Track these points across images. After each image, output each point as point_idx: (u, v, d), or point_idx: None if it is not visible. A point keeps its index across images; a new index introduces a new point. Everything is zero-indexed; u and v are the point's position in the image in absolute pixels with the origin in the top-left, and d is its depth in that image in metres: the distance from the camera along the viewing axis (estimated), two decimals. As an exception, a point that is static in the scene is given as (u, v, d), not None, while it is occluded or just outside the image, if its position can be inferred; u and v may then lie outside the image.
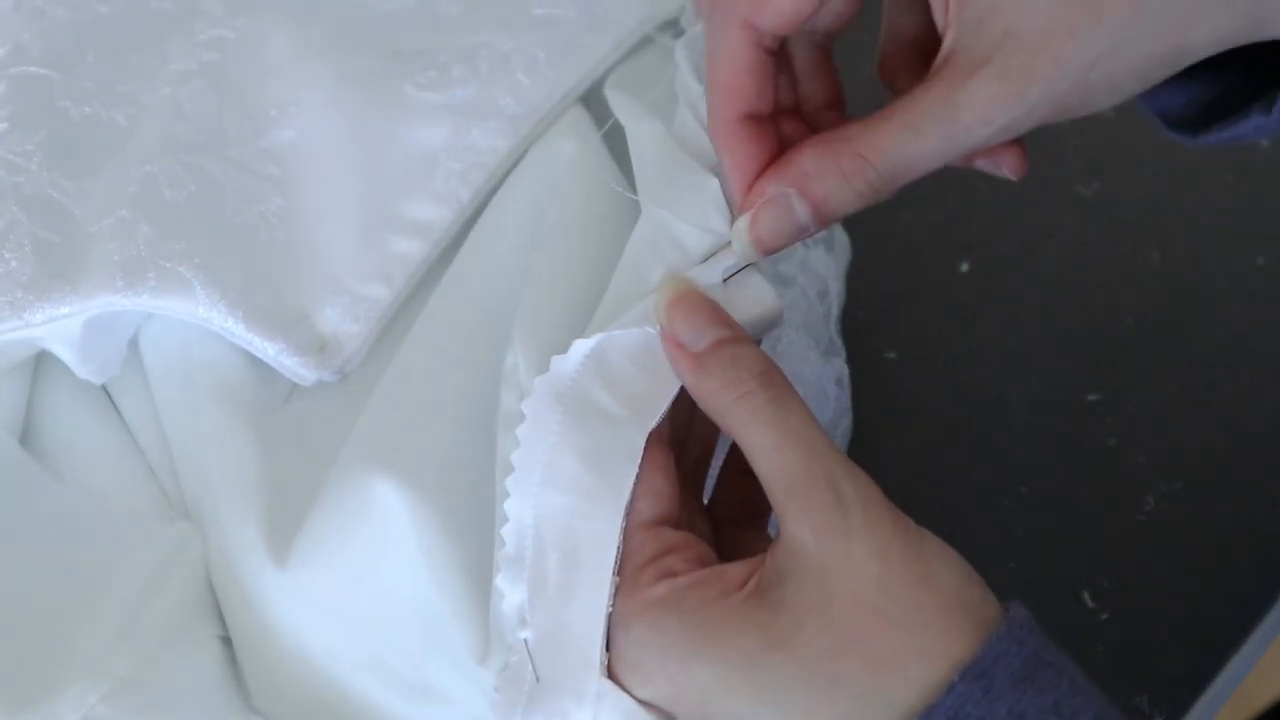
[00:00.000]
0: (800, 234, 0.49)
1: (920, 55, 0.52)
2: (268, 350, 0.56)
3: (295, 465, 0.56)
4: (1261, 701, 1.14)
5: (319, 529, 0.53)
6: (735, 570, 0.46)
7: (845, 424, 0.67)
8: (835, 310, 0.68)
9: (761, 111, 0.50)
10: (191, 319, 0.56)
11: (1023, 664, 0.43)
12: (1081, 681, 0.44)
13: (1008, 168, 0.51)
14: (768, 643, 0.44)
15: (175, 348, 0.58)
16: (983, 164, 0.51)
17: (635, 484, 0.47)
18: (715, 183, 0.51)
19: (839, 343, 0.68)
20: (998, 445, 0.70)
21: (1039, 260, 0.75)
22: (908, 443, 0.70)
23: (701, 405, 0.48)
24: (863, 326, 0.71)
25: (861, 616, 0.43)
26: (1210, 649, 0.65)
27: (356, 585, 0.52)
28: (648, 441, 0.48)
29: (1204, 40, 0.46)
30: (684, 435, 0.52)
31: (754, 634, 0.44)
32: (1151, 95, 0.52)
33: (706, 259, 0.51)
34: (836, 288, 0.68)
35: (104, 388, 0.61)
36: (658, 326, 0.49)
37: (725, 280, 0.50)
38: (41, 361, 0.60)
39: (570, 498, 0.47)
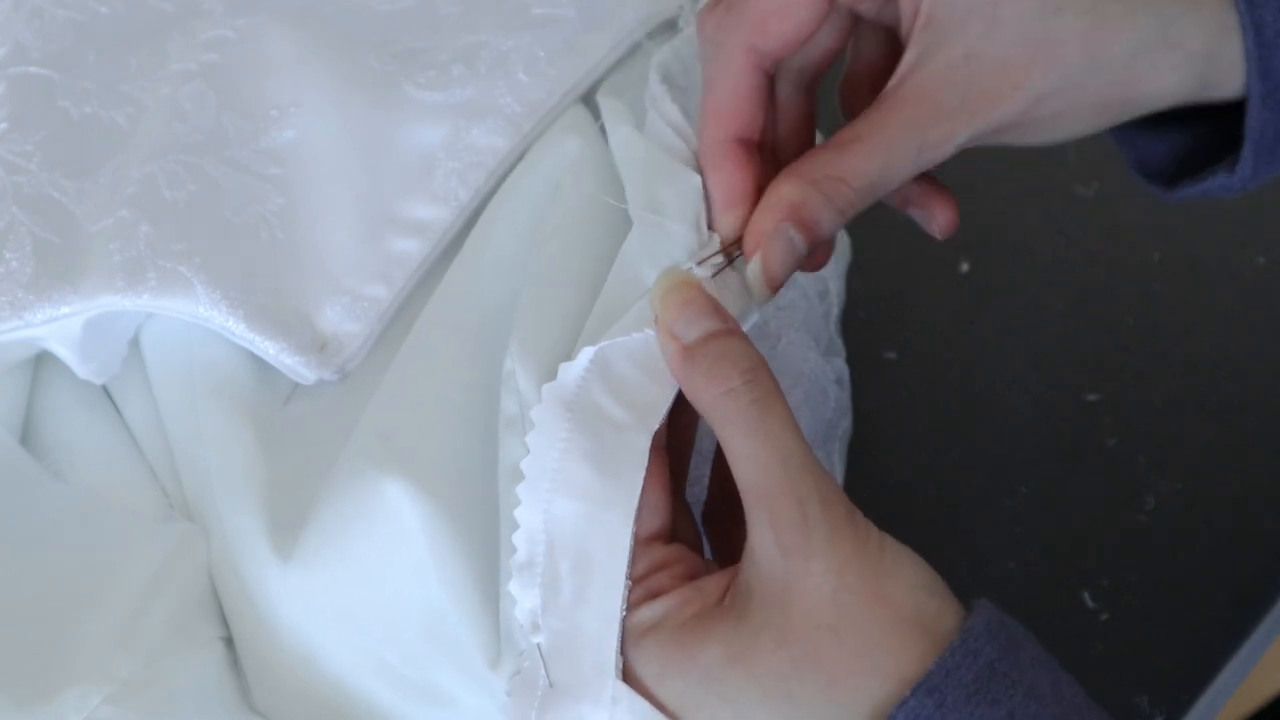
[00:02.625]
0: (799, 264, 0.50)
1: (882, 86, 0.53)
2: (269, 350, 0.56)
3: (297, 465, 0.56)
4: (1261, 700, 1.14)
5: (324, 529, 0.53)
6: (714, 584, 0.47)
7: (845, 423, 0.67)
8: (835, 310, 0.68)
9: (751, 136, 0.51)
10: (192, 319, 0.56)
11: (975, 676, 0.43)
12: (1042, 689, 0.44)
13: (938, 227, 0.53)
14: (728, 656, 0.45)
15: (176, 348, 0.58)
16: (915, 213, 0.54)
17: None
18: (698, 179, 0.52)
19: (839, 342, 0.68)
20: (998, 445, 0.70)
21: (1039, 261, 0.75)
22: (908, 443, 0.70)
23: (689, 398, 0.48)
24: (863, 326, 0.71)
25: (815, 635, 0.44)
26: (1210, 649, 0.65)
27: (362, 586, 0.52)
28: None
29: (1150, 94, 0.48)
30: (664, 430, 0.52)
31: (717, 647, 0.45)
32: (1130, 144, 0.54)
33: (696, 255, 0.51)
34: (836, 287, 0.68)
35: (104, 388, 0.61)
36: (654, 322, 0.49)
37: (714, 277, 0.50)
38: (41, 361, 0.60)
39: (581, 504, 0.47)
